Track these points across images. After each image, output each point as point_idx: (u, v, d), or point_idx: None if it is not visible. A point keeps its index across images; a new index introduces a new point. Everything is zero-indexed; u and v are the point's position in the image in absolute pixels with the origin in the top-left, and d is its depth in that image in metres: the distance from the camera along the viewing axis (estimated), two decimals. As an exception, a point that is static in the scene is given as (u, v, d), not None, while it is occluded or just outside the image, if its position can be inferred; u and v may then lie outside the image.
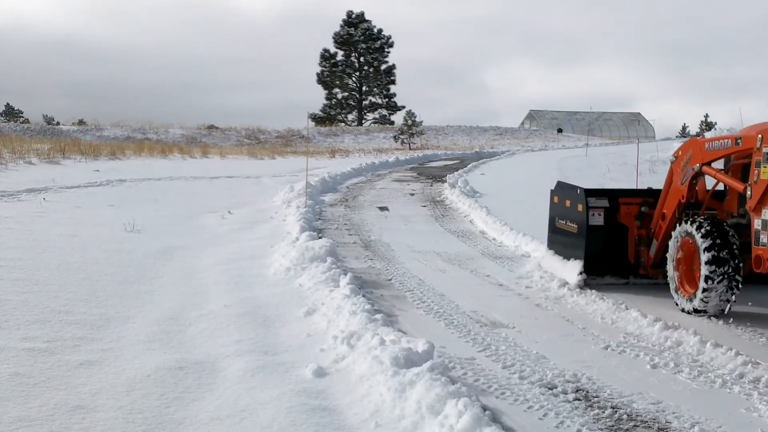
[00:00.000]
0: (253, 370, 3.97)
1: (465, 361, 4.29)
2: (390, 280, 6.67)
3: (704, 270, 5.44)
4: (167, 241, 8.13)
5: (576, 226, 6.82)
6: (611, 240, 6.69)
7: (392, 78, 65.61)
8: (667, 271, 6.06)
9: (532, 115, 74.29)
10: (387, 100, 66.60)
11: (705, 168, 6.07)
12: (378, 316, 4.89)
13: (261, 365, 4.04)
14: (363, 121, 66.11)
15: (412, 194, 15.16)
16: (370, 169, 22.52)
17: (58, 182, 14.01)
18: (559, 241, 7.17)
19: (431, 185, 17.09)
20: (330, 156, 32.52)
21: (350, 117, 66.94)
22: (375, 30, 64.92)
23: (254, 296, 5.76)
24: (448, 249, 8.44)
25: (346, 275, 6.02)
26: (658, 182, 7.25)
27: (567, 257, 6.83)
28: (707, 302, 5.46)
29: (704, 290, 5.44)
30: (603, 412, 3.56)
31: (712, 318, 5.35)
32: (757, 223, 5.30)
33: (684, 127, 69.89)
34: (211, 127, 55.32)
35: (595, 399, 3.74)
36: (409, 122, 45.03)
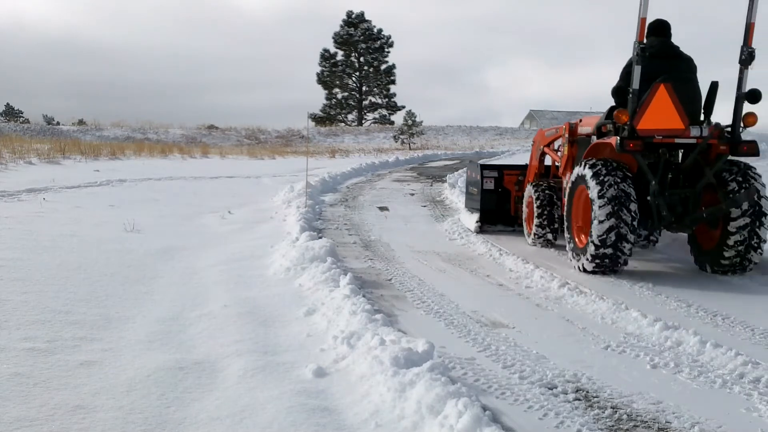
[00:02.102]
0: (253, 370, 3.97)
1: (465, 361, 4.29)
2: (390, 280, 6.67)
3: (535, 216, 8.16)
4: (167, 241, 8.14)
5: (476, 189, 9.51)
6: (500, 200, 9.44)
7: (392, 78, 65.66)
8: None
9: (532, 115, 74.31)
10: (387, 100, 66.64)
11: (545, 148, 8.69)
12: (378, 316, 4.89)
13: (261, 365, 4.04)
14: (363, 121, 66.12)
15: (412, 194, 15.16)
16: (370, 169, 22.55)
17: (58, 182, 14.03)
18: (469, 201, 10.05)
19: (431, 185, 17.09)
20: (330, 156, 32.56)
21: (350, 117, 67.00)
22: (375, 30, 64.94)
23: (254, 296, 5.76)
24: (447, 249, 8.44)
25: (346, 275, 6.01)
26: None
27: (472, 212, 9.70)
28: (536, 237, 8.20)
29: (535, 229, 8.19)
30: (603, 412, 3.56)
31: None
32: (564, 183, 7.73)
33: (684, 127, 69.84)
34: (211, 127, 55.38)
35: (595, 399, 3.74)
36: (409, 122, 45.07)
